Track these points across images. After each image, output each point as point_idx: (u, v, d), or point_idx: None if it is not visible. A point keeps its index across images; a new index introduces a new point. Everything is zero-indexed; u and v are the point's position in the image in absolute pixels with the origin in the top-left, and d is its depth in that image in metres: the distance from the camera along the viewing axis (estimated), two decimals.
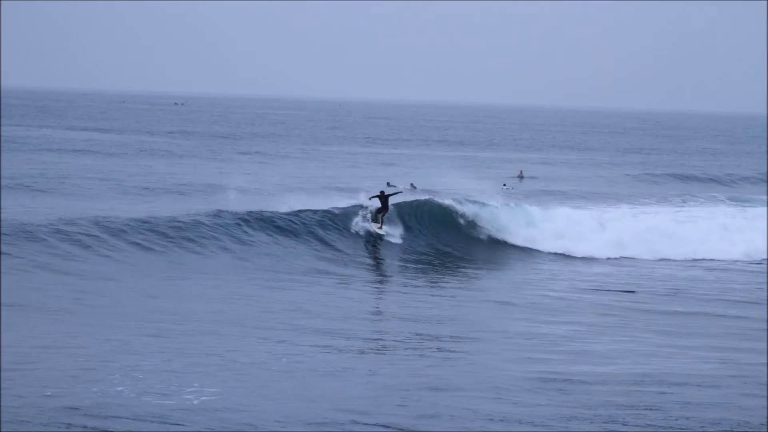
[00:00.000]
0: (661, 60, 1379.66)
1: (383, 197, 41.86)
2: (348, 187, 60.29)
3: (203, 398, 18.46)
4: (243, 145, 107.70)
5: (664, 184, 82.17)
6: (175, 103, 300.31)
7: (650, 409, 19.27)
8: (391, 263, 39.78)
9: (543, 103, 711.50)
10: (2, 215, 37.89)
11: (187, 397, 18.52)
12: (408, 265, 39.62)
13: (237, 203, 48.21)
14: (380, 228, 41.12)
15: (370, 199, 42.44)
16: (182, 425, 17.03)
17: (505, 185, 70.45)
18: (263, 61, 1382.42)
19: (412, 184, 66.03)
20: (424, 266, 39.69)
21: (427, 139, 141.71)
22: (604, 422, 18.37)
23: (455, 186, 68.49)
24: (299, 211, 42.44)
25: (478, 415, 18.44)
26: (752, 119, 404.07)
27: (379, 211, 41.28)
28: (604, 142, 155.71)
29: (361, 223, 41.59)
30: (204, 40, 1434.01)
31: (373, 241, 41.49)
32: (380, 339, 25.52)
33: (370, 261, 39.62)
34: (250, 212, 41.44)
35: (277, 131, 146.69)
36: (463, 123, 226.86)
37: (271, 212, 41.87)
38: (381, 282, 36.26)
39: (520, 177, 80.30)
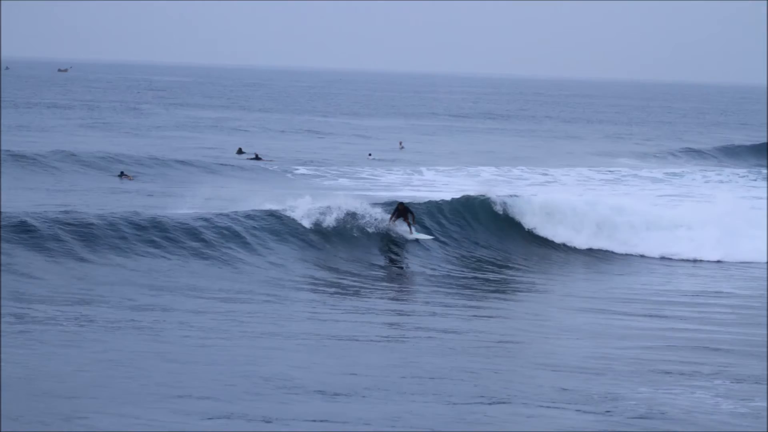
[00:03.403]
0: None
1: (403, 210, 37.50)
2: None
3: None
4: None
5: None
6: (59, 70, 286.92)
7: None
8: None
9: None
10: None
11: None
12: None
13: None
14: (411, 232, 37.84)
15: (393, 220, 37.35)
16: None
17: (370, 155, 73.42)
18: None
19: (256, 155, 68.36)
20: None
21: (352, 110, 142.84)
22: None
23: (315, 156, 70.32)
24: None
25: None
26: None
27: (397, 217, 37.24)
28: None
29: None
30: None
31: None
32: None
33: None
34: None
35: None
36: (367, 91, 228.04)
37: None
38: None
39: (400, 147, 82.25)
